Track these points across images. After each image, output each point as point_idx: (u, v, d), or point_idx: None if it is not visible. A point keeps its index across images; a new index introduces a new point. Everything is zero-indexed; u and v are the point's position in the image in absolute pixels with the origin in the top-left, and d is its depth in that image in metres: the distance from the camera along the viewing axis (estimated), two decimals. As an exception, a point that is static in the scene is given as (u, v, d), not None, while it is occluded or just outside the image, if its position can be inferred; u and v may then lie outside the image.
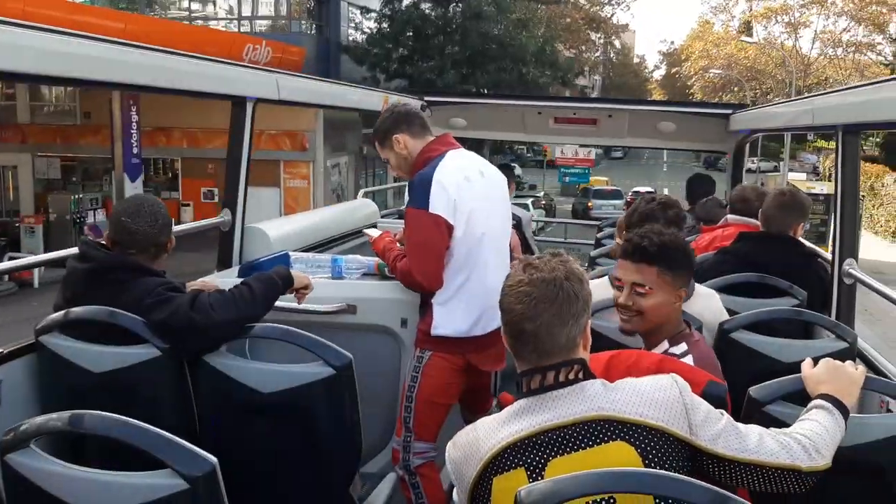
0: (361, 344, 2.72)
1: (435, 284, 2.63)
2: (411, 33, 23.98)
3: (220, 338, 2.19)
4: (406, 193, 2.81)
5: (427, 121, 2.83)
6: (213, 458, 1.45)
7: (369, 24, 24.98)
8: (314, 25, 23.84)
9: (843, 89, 2.73)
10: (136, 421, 1.49)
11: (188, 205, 20.90)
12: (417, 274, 2.60)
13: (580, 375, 1.46)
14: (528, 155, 44.91)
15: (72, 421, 1.52)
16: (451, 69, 22.72)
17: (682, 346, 1.97)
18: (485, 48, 23.17)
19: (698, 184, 4.85)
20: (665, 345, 2.00)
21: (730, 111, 4.78)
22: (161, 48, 2.45)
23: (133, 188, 17.01)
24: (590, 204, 28.75)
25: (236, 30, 23.00)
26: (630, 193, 31.51)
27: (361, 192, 5.65)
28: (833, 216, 2.95)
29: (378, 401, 2.84)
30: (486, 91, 24.48)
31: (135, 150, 17.38)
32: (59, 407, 1.65)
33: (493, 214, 2.74)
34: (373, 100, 4.28)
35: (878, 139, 28.32)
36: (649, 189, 33.08)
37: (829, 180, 31.49)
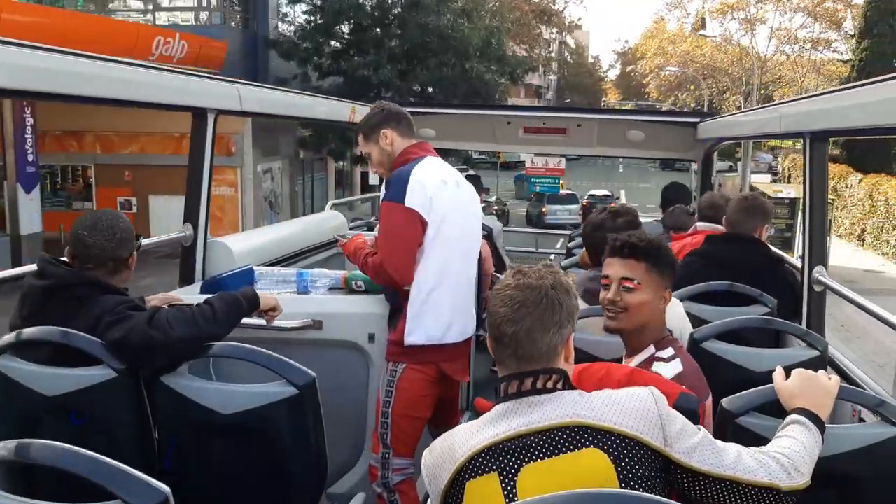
0: (328, 360, 2.85)
1: (406, 278, 2.78)
2: (345, 25, 23.83)
3: (177, 356, 2.29)
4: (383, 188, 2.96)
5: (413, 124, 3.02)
6: (166, 488, 1.49)
7: (299, 16, 24.75)
8: (239, 17, 23.56)
9: (810, 96, 2.93)
10: (83, 450, 1.52)
11: (101, 216, 20.38)
12: (388, 266, 2.74)
13: (559, 386, 1.57)
14: (481, 156, 44.73)
15: (18, 451, 1.55)
16: (388, 64, 22.62)
17: (670, 351, 2.13)
18: (425, 41, 23.14)
19: (673, 192, 5.13)
20: (651, 349, 2.15)
21: (697, 119, 5.09)
22: (116, 59, 2.52)
23: (28, 200, 16.33)
24: (544, 209, 29.19)
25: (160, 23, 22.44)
26: (586, 197, 32.16)
27: (329, 203, 5.81)
28: (801, 223, 3.20)
29: (345, 418, 2.95)
30: (429, 89, 24.59)
31: (30, 158, 16.47)
32: (12, 432, 1.70)
33: (465, 225, 2.94)
34: (340, 111, 4.41)
35: (838, 138, 29.63)
36: (606, 192, 33.80)
37: (790, 181, 32.79)
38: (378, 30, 23.73)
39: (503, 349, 1.60)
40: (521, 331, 1.57)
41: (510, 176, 40.40)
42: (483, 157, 44.49)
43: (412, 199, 2.74)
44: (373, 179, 21.33)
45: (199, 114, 3.19)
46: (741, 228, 3.47)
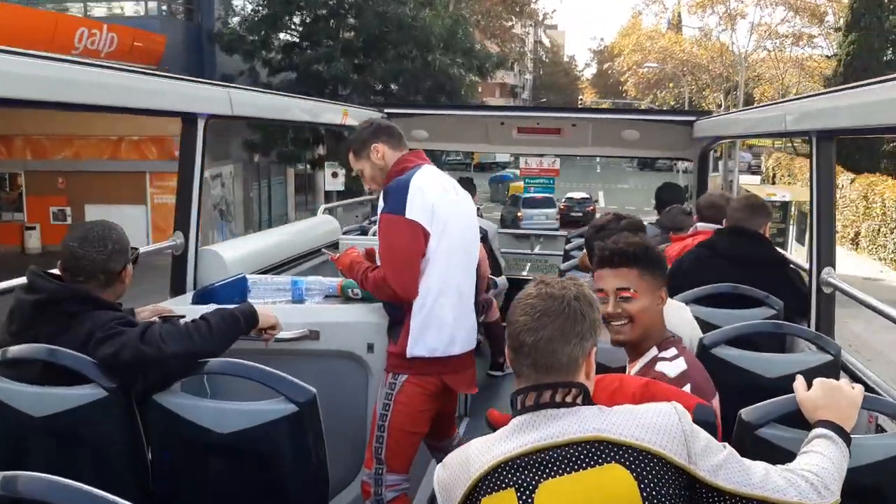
0: (325, 372, 2.95)
1: (410, 294, 2.88)
2: (297, 15, 23.57)
3: (170, 373, 2.36)
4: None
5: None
6: None
7: (246, 7, 24.47)
8: (182, 8, 23.35)
9: (817, 94, 3.08)
10: (77, 484, 1.54)
11: (34, 227, 20.01)
12: (392, 282, 2.84)
13: (578, 401, 1.62)
14: (456, 157, 44.35)
15: (4, 484, 1.55)
16: (342, 57, 22.39)
17: (672, 351, 2.26)
18: (383, 31, 22.93)
19: (667, 193, 5.36)
20: (654, 351, 2.28)
21: (693, 118, 5.34)
22: (104, 63, 2.60)
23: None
24: (519, 214, 29.29)
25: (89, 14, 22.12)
26: (563, 200, 32.43)
27: (322, 207, 5.93)
28: (809, 224, 3.38)
29: (344, 432, 3.02)
30: (391, 86, 24.54)
31: (-52, 166, 16.41)
32: None
33: (465, 234, 3.07)
34: (332, 114, 4.55)
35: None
36: (584, 195, 34.13)
37: (774, 182, 33.49)
38: (332, 20, 23.52)
39: (522, 359, 1.65)
40: (541, 340, 1.62)
41: (485, 177, 40.52)
42: (457, 157, 44.31)
43: (413, 210, 2.83)
44: (328, 185, 21.25)
45: (189, 119, 3.28)
46: (746, 225, 3.69)
